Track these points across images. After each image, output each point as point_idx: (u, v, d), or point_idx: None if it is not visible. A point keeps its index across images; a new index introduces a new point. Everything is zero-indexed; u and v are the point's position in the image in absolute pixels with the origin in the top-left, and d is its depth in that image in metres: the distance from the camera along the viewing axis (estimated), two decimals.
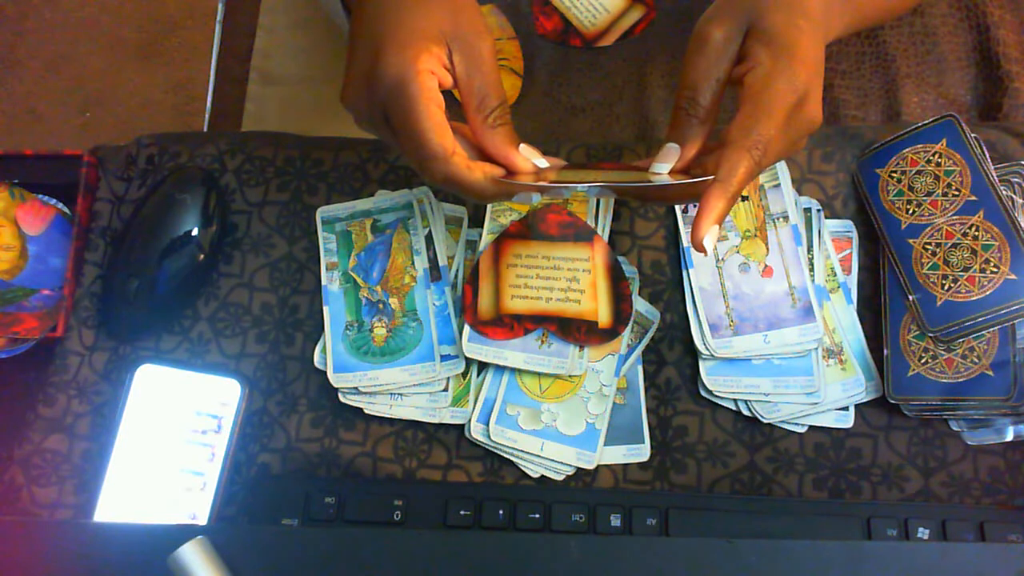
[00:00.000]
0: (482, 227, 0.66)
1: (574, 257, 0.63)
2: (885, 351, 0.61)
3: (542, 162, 0.53)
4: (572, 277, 0.63)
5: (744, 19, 0.52)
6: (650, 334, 0.64)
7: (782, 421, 0.62)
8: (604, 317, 0.62)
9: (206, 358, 0.67)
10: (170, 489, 0.62)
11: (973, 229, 0.60)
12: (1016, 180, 0.62)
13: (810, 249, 0.64)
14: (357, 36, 0.53)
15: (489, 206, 0.67)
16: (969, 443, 0.61)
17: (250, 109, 0.95)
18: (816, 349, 0.61)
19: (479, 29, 0.52)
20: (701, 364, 0.62)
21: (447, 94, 0.52)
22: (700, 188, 0.50)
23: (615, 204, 0.67)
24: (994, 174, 0.61)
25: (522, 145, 0.53)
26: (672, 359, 0.64)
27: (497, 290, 0.63)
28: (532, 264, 0.64)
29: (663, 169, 0.53)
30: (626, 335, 0.63)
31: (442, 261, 0.65)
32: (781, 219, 0.64)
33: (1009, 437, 0.60)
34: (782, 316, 0.61)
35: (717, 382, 0.62)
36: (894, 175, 0.64)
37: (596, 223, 0.65)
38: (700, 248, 0.49)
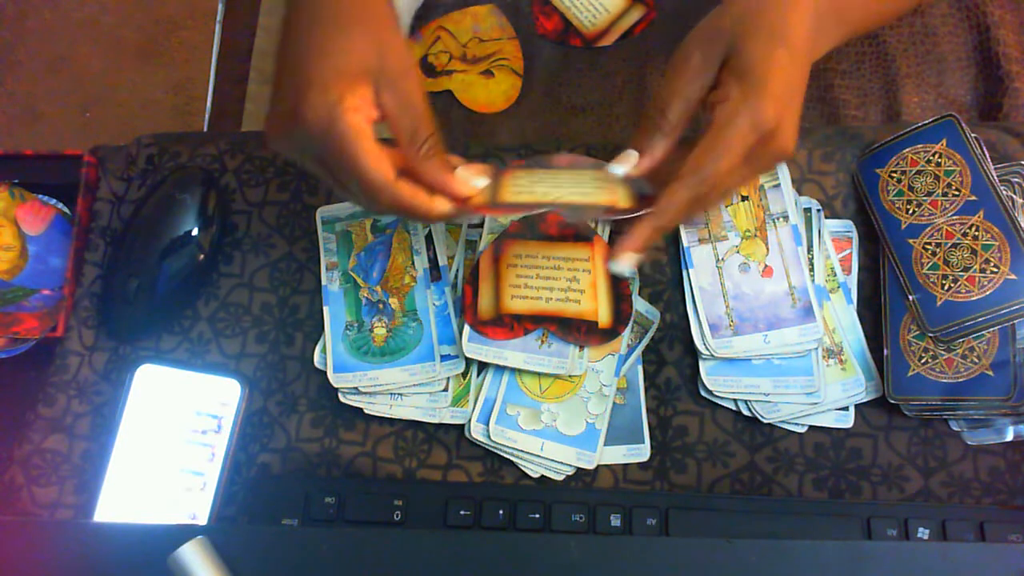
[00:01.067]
0: (482, 227, 0.66)
1: (574, 257, 0.63)
2: (885, 351, 0.61)
3: (481, 181, 0.53)
4: (572, 277, 0.63)
5: (724, 46, 0.52)
6: (650, 334, 0.64)
7: (782, 421, 0.62)
8: (604, 317, 0.62)
9: (206, 358, 0.67)
10: (170, 489, 0.62)
11: (973, 229, 0.60)
12: (1016, 180, 0.62)
13: (810, 249, 0.64)
14: (281, 69, 0.51)
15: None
16: (969, 443, 0.61)
17: (250, 109, 0.95)
18: (816, 349, 0.61)
19: (406, 66, 0.51)
20: (701, 364, 0.62)
21: None
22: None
23: None
24: (994, 174, 0.61)
25: (458, 169, 0.53)
26: (672, 359, 0.64)
27: (497, 290, 0.63)
28: (532, 264, 0.64)
29: (619, 171, 0.54)
30: (626, 335, 0.63)
31: (442, 261, 0.65)
32: (781, 219, 0.64)
33: (1009, 437, 0.60)
34: (782, 316, 0.61)
35: (717, 382, 0.62)
36: (894, 175, 0.64)
37: (596, 223, 0.65)
38: (611, 269, 0.51)
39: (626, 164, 0.54)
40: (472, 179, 0.53)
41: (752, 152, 0.50)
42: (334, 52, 0.49)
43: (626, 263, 0.50)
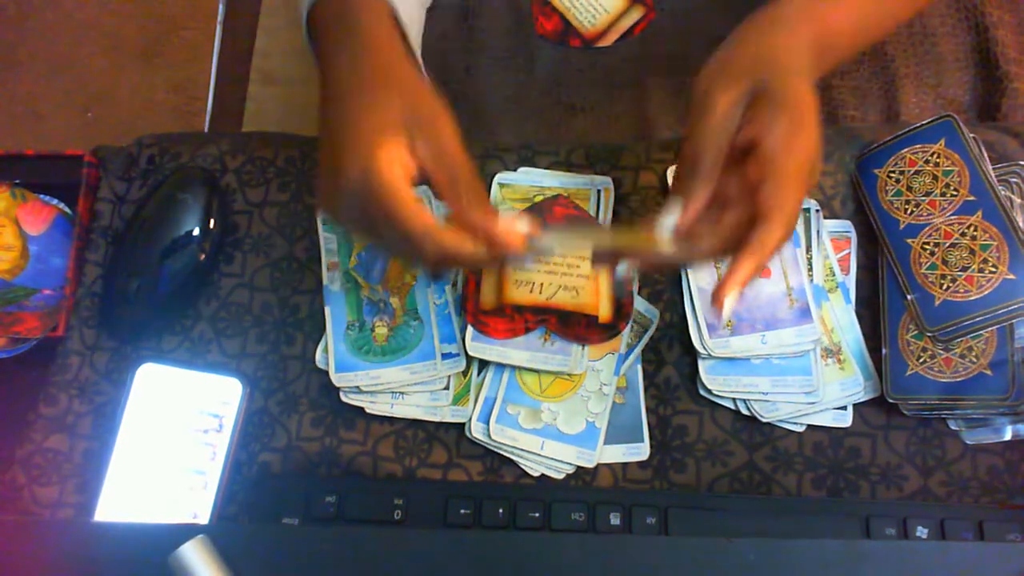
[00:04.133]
0: None
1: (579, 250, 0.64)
2: (884, 350, 0.61)
3: (523, 226, 0.53)
4: (575, 270, 0.63)
5: (749, 85, 0.52)
6: (649, 333, 0.64)
7: (781, 420, 0.62)
8: (604, 312, 0.62)
9: (207, 357, 0.67)
10: (171, 488, 0.63)
11: (971, 229, 0.60)
12: (1014, 180, 0.62)
13: (809, 249, 0.64)
14: (322, 140, 0.53)
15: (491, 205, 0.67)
16: (967, 442, 0.61)
17: (251, 109, 0.95)
18: (814, 350, 0.61)
19: (435, 112, 0.52)
20: (700, 363, 0.62)
21: None
22: (698, 255, 0.52)
23: (615, 204, 0.67)
24: (992, 174, 0.61)
25: (499, 218, 0.52)
26: (671, 359, 0.64)
27: (500, 279, 0.63)
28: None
29: (669, 221, 0.53)
30: (626, 334, 0.63)
31: None
32: None
33: (1007, 436, 0.60)
34: (779, 317, 0.62)
35: (716, 381, 0.62)
36: (892, 175, 0.64)
37: (597, 214, 0.65)
38: (719, 305, 0.50)
39: (674, 213, 0.53)
40: (515, 224, 0.52)
41: (808, 178, 0.51)
42: (366, 113, 0.51)
43: (732, 299, 0.50)
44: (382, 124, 0.50)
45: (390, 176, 0.49)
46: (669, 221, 0.53)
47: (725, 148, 0.52)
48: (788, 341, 0.61)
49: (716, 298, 0.50)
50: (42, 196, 0.71)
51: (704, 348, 0.62)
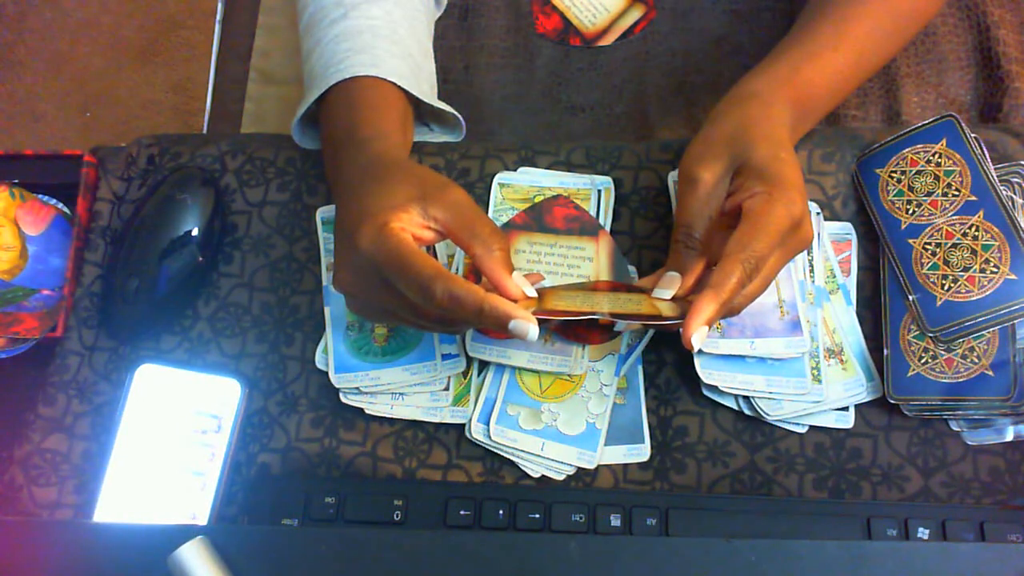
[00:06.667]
0: None
1: (579, 251, 0.63)
2: (885, 351, 0.61)
3: (531, 291, 0.55)
4: (576, 270, 0.63)
5: (731, 159, 0.55)
6: (650, 334, 0.64)
7: (783, 420, 0.61)
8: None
9: (206, 358, 0.67)
10: (170, 489, 0.62)
11: (973, 229, 0.60)
12: (1016, 180, 0.62)
13: (810, 251, 0.64)
14: (338, 228, 0.56)
15: (492, 205, 0.67)
16: (969, 443, 0.61)
17: (250, 109, 0.95)
18: (803, 356, 0.61)
19: (445, 182, 0.55)
20: (696, 357, 0.62)
21: None
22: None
23: (615, 205, 0.67)
24: (994, 174, 0.61)
25: (515, 273, 0.54)
26: (672, 359, 0.64)
27: None
28: (537, 256, 0.64)
29: (666, 295, 0.56)
30: (626, 335, 0.63)
31: (442, 260, 0.65)
32: None
33: (1009, 437, 0.60)
34: (769, 326, 0.61)
35: (712, 376, 0.61)
36: (894, 175, 0.64)
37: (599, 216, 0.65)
38: (689, 346, 0.51)
39: (672, 288, 0.56)
40: (525, 286, 0.54)
41: (786, 238, 0.53)
42: (380, 193, 0.54)
43: (699, 336, 0.51)
44: (393, 202, 0.53)
45: (401, 234, 0.52)
46: (667, 295, 0.56)
47: (713, 219, 0.56)
48: (777, 350, 0.61)
49: (684, 340, 0.51)
50: (41, 196, 0.71)
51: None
